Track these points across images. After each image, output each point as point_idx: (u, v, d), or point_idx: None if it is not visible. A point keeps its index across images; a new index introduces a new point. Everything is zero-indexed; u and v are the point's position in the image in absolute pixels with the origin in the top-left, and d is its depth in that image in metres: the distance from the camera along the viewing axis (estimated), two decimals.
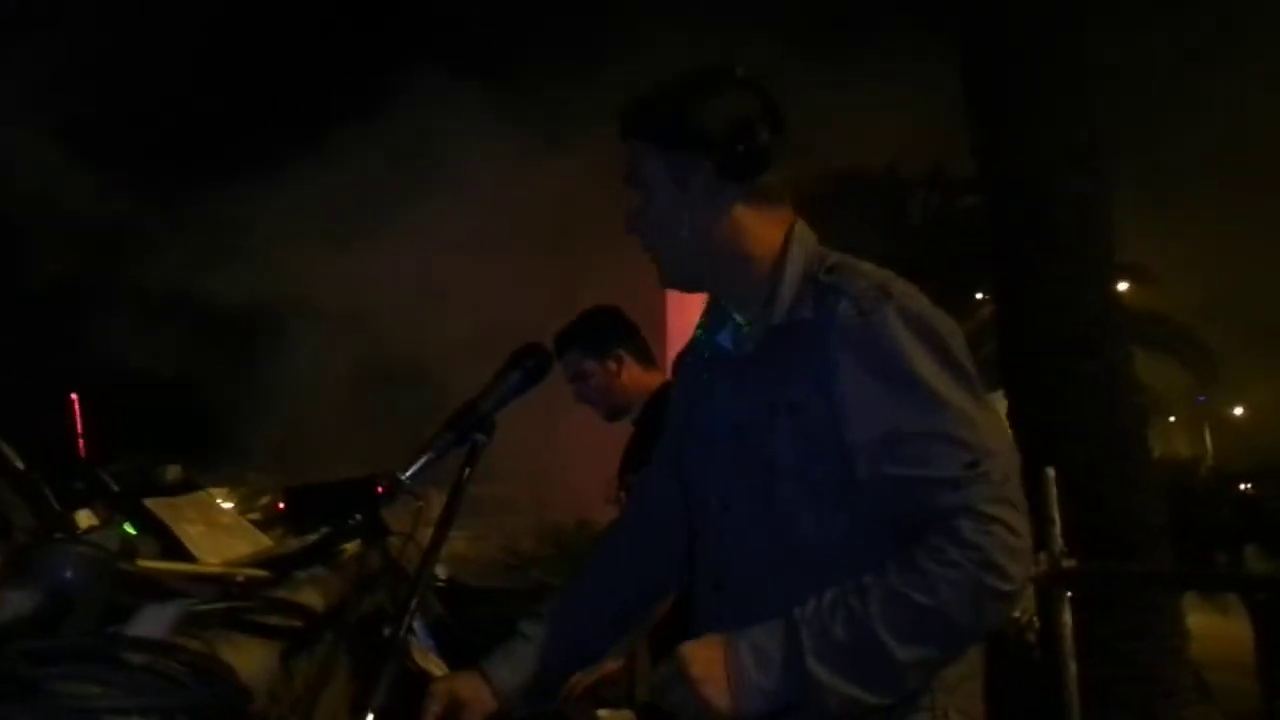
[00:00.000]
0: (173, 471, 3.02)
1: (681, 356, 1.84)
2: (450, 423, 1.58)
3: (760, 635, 1.32)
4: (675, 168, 1.48)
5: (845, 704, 1.28)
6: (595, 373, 2.75)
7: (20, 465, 2.23)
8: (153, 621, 0.63)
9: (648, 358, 2.81)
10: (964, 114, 5.54)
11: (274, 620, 1.23)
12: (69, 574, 0.68)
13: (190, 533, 1.82)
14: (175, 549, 1.79)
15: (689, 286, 1.60)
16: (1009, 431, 1.41)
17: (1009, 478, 1.33)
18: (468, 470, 1.55)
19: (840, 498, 1.39)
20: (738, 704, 1.28)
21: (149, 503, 1.92)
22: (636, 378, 2.75)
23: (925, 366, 1.35)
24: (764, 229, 1.50)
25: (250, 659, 0.88)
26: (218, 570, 1.58)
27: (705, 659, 1.31)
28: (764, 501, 1.45)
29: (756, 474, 1.46)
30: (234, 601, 1.18)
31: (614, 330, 2.77)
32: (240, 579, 1.52)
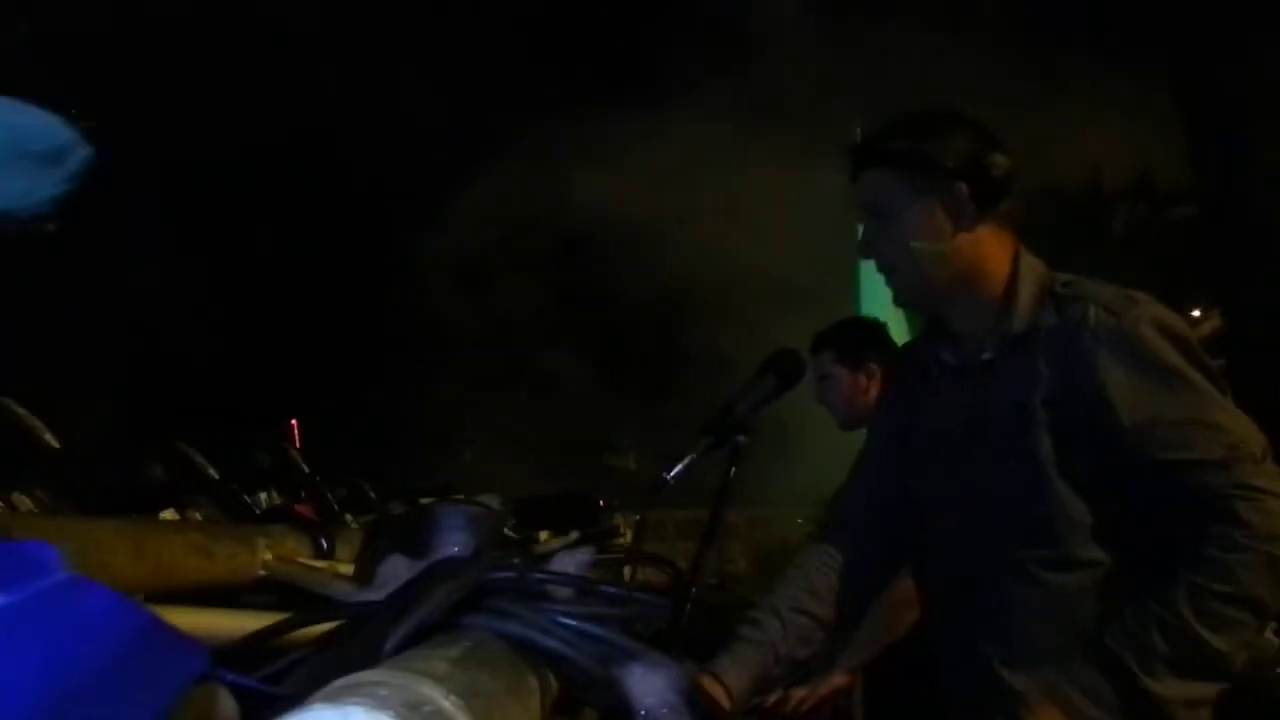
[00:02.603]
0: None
1: (896, 374, 1.91)
2: (708, 426, 1.67)
3: (1085, 678, 1.40)
4: (928, 193, 1.57)
5: (1187, 705, 1.38)
6: (844, 380, 2.77)
7: (307, 471, 2.49)
8: (569, 563, 0.74)
9: None
10: (1177, 123, 5.30)
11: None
12: (476, 528, 0.80)
13: None
14: None
15: (925, 303, 1.68)
16: (1252, 422, 1.49)
17: (1268, 455, 1.43)
18: (733, 470, 1.62)
19: (1102, 488, 1.48)
20: None
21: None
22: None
23: (1177, 361, 1.46)
24: (999, 249, 1.60)
25: None
26: None
27: (1048, 717, 1.40)
28: (1018, 494, 1.51)
29: (1000, 479, 1.53)
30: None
31: (873, 343, 2.79)
32: None
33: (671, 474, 1.68)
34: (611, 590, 0.70)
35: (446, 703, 0.37)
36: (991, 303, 1.57)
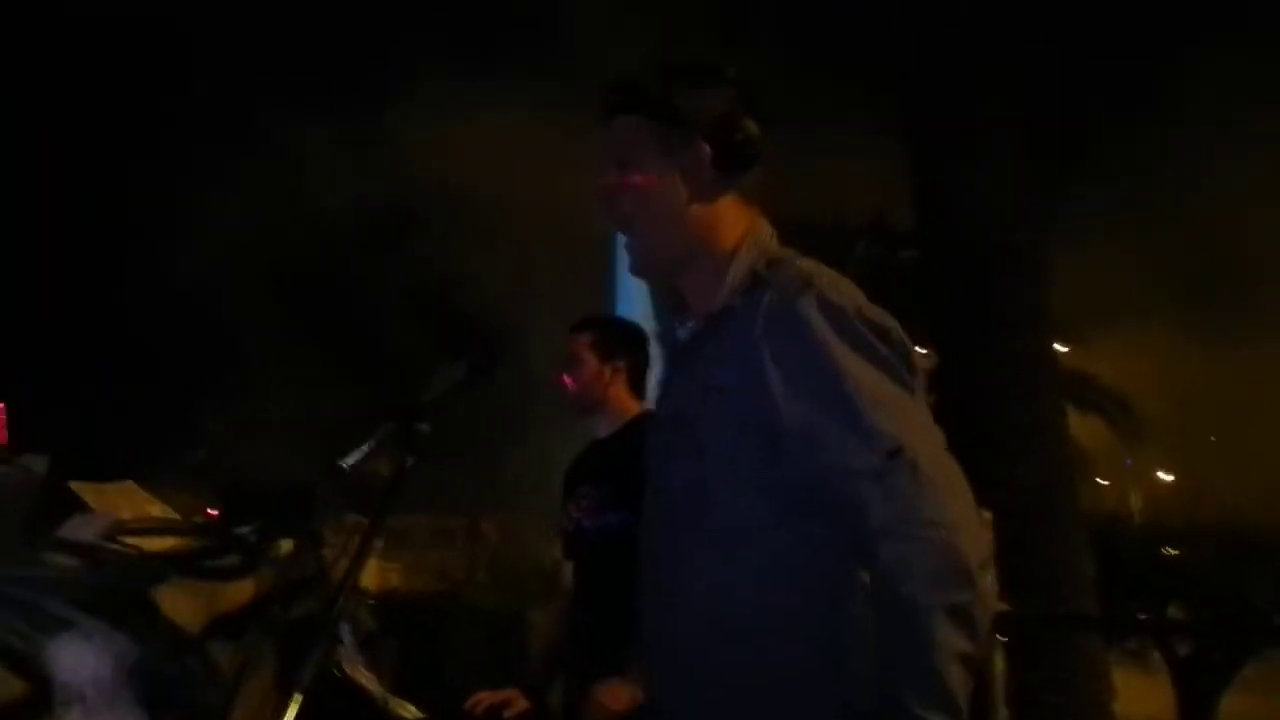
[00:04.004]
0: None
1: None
2: (391, 413, 1.57)
3: None
4: (671, 148, 1.48)
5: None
6: (590, 365, 2.76)
7: None
8: (80, 527, 0.63)
9: (639, 390, 2.83)
10: (905, 165, 5.71)
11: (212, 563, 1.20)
12: None
13: None
14: None
15: (661, 270, 1.58)
16: (929, 418, 1.39)
17: (932, 459, 1.32)
18: (410, 458, 1.53)
19: (762, 483, 1.39)
20: None
21: (74, 485, 1.85)
22: (620, 396, 2.77)
23: (842, 355, 1.36)
24: (735, 222, 1.51)
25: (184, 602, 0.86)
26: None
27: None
28: (692, 485, 1.45)
29: (687, 458, 1.46)
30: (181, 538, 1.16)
31: (631, 346, 2.80)
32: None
33: (348, 461, 1.57)
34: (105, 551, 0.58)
35: None
36: (717, 278, 1.48)
